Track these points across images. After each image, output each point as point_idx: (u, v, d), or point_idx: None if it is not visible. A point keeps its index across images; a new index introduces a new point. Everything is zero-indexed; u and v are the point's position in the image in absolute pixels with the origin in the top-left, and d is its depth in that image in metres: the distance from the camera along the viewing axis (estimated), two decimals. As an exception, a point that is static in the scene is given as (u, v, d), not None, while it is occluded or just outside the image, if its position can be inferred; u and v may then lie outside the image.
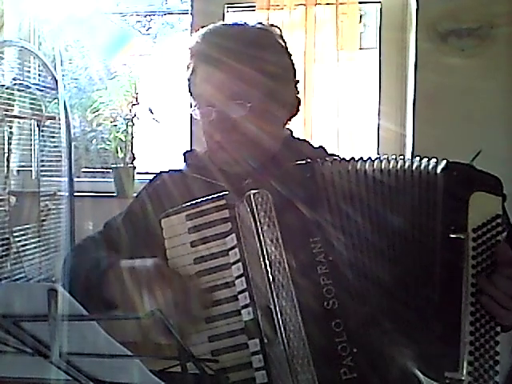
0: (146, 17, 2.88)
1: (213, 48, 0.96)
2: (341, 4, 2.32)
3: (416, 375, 0.83)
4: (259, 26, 1.01)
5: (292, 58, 1.03)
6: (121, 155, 2.53)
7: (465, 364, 0.75)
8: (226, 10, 2.49)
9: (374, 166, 0.81)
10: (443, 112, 2.26)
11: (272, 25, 1.04)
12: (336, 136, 2.34)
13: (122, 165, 2.52)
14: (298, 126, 2.33)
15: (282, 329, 0.75)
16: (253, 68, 0.95)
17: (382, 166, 0.81)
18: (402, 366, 0.78)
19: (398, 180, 0.80)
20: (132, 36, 2.85)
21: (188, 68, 1.01)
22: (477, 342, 0.75)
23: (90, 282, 0.90)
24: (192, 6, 2.51)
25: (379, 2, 2.43)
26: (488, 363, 0.75)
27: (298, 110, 1.05)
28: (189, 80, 1.02)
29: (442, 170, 0.80)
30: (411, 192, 0.79)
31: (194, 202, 0.86)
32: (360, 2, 2.37)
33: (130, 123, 2.54)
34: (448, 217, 0.78)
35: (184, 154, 1.10)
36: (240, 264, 0.80)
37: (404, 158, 0.82)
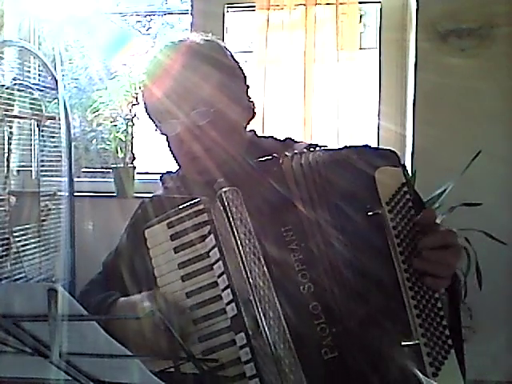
0: (145, 17, 2.88)
1: (166, 64, 0.98)
2: (341, 4, 2.33)
3: (403, 365, 0.84)
4: (204, 38, 1.04)
5: (240, 64, 1.06)
6: (121, 155, 2.53)
7: (416, 327, 0.79)
8: (226, 9, 2.49)
9: (323, 157, 0.86)
10: (443, 112, 2.27)
11: (218, 38, 1.08)
12: (336, 136, 2.34)
13: (121, 165, 2.52)
14: (298, 126, 2.34)
15: (263, 318, 0.78)
16: (207, 75, 0.97)
17: (327, 157, 0.86)
18: (381, 344, 0.80)
19: (327, 171, 0.85)
20: (132, 36, 2.85)
21: (142, 91, 1.04)
22: (420, 304, 0.80)
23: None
24: (192, 6, 2.51)
25: (379, 2, 2.44)
26: (435, 320, 0.80)
27: (254, 114, 1.08)
28: (145, 100, 1.03)
29: (345, 155, 0.86)
30: (336, 181, 0.85)
31: (174, 210, 0.89)
32: (360, 2, 2.37)
33: (130, 123, 2.54)
34: (362, 197, 0.83)
35: (161, 178, 1.14)
36: (220, 262, 0.83)
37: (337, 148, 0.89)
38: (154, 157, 2.77)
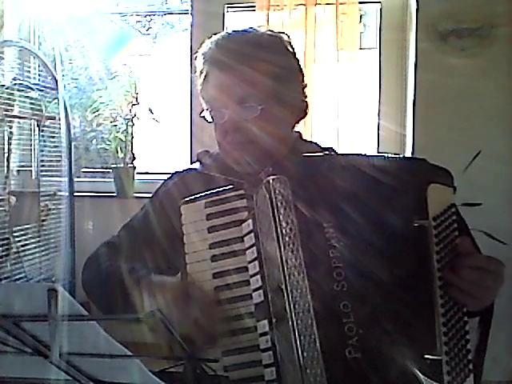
0: (145, 17, 2.88)
1: (225, 53, 1.00)
2: (341, 4, 2.33)
3: (416, 375, 0.84)
4: (269, 32, 1.06)
5: (300, 62, 1.07)
6: (121, 155, 2.53)
7: (441, 344, 0.79)
8: (225, 9, 2.49)
9: (374, 163, 0.87)
10: (443, 112, 2.26)
11: (281, 32, 1.09)
12: (336, 136, 2.34)
13: (121, 165, 2.52)
14: (297, 126, 2.33)
15: (292, 307, 0.77)
16: (264, 71, 0.99)
17: (375, 164, 0.87)
18: (405, 351, 0.80)
19: (377, 176, 0.86)
20: (132, 36, 2.85)
21: (201, 73, 1.05)
22: (448, 323, 0.81)
23: (122, 291, 0.92)
24: (192, 6, 2.51)
25: (379, 2, 2.44)
26: (460, 342, 0.81)
27: (305, 113, 1.09)
28: (201, 85, 1.05)
29: (401, 164, 0.87)
30: (387, 187, 0.84)
31: (213, 191, 0.89)
32: (360, 2, 2.37)
33: (130, 123, 2.54)
34: (410, 207, 0.84)
35: (198, 154, 1.14)
36: (254, 248, 0.83)
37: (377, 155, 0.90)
38: (153, 157, 2.77)
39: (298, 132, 1.14)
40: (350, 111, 2.35)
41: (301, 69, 1.07)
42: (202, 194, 0.89)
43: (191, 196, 0.91)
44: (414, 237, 0.83)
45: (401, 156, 0.89)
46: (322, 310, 0.78)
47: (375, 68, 2.45)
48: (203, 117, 1.04)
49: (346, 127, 2.36)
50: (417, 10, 2.26)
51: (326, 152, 1.09)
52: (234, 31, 1.05)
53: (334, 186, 0.84)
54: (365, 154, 0.92)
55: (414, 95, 2.28)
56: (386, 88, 2.43)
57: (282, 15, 2.36)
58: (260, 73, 0.98)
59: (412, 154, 2.28)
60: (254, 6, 2.38)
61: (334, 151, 1.12)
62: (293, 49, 1.06)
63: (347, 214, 0.82)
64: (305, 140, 1.15)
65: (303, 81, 1.08)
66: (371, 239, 0.81)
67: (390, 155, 0.92)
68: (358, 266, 0.81)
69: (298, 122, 1.10)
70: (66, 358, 0.58)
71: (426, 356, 0.79)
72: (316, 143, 1.14)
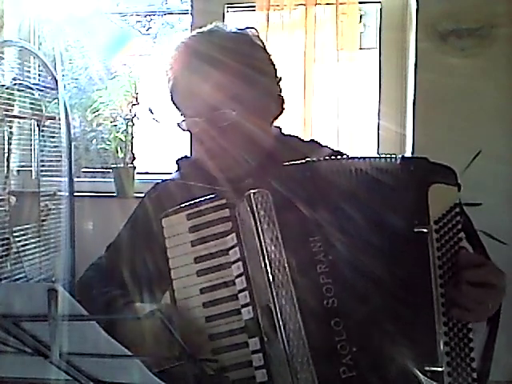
0: (145, 17, 2.88)
1: (191, 59, 0.96)
2: (341, 4, 2.33)
3: (416, 375, 0.83)
4: (234, 29, 1.00)
5: (271, 56, 1.03)
6: (121, 155, 2.53)
7: (442, 355, 0.77)
8: (226, 10, 2.49)
9: (365, 165, 0.83)
10: (443, 112, 2.26)
11: (248, 27, 1.03)
12: (336, 136, 2.34)
13: (121, 165, 2.52)
14: (298, 126, 2.33)
15: (282, 328, 0.75)
16: (232, 73, 0.94)
17: (369, 165, 0.83)
18: (402, 365, 0.78)
19: (371, 178, 0.82)
20: (132, 36, 2.85)
21: (169, 81, 1.01)
22: (450, 331, 0.78)
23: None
24: (192, 6, 2.51)
25: (379, 2, 2.44)
26: (464, 351, 0.78)
27: (283, 108, 1.04)
28: (171, 92, 1.01)
29: (400, 165, 0.83)
30: (383, 191, 0.81)
31: (194, 201, 0.86)
32: (360, 2, 2.37)
33: (130, 123, 2.54)
34: (410, 211, 0.80)
35: (177, 162, 1.10)
36: (240, 263, 0.80)
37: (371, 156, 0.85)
38: (153, 157, 2.77)
39: (278, 127, 1.09)
40: (350, 111, 2.35)
41: (272, 62, 1.02)
42: (184, 206, 0.86)
43: (172, 208, 0.87)
44: (413, 243, 0.79)
45: (400, 156, 0.83)
46: (313, 329, 0.76)
47: (375, 68, 2.45)
48: (179, 125, 1.00)
49: (346, 127, 2.35)
50: (417, 10, 2.26)
51: (309, 147, 1.05)
52: (198, 33, 0.99)
53: (320, 194, 0.80)
54: (355, 156, 0.88)
55: (414, 95, 2.28)
56: (386, 88, 2.43)
57: (282, 15, 2.36)
58: (228, 75, 0.93)
59: (412, 153, 2.28)
60: (254, 6, 2.38)
61: (318, 143, 1.07)
62: (262, 42, 1.01)
63: (337, 223, 0.78)
64: (285, 134, 1.10)
65: (277, 74, 1.03)
66: (364, 248, 0.78)
67: (388, 155, 0.87)
68: (349, 279, 0.77)
69: (276, 118, 1.05)
70: (66, 358, 0.58)
71: (427, 368, 0.76)
72: (298, 137, 1.10)
